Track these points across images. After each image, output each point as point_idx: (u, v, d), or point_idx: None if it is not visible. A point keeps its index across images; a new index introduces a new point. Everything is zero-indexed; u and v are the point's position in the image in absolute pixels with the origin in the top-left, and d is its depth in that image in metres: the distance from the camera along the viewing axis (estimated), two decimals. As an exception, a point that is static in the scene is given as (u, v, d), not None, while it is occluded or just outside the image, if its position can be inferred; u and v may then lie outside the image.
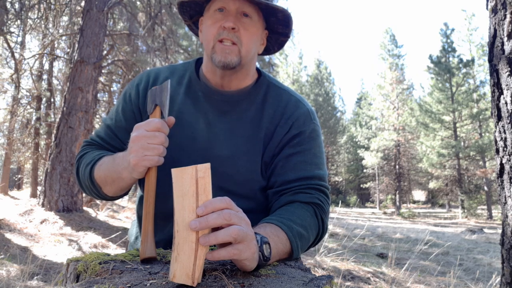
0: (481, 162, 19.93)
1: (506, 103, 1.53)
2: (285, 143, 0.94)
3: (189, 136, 0.94)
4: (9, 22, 6.66)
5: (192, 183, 0.56)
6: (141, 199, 1.00)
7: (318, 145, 0.98)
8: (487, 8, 1.70)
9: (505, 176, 1.55)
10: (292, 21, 0.95)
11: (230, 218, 0.57)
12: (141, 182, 0.98)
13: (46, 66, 11.84)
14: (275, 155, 0.95)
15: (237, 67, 0.90)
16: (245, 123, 0.95)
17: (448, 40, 21.67)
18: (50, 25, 8.33)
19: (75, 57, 6.70)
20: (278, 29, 0.99)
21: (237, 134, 0.94)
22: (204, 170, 0.57)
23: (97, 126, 13.12)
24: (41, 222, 5.52)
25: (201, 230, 0.55)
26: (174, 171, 0.58)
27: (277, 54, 29.73)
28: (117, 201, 10.56)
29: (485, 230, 11.97)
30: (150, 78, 1.01)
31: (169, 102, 0.88)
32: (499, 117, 1.58)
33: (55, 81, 12.03)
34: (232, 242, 0.58)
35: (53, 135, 6.96)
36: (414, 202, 37.80)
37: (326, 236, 7.15)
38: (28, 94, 11.07)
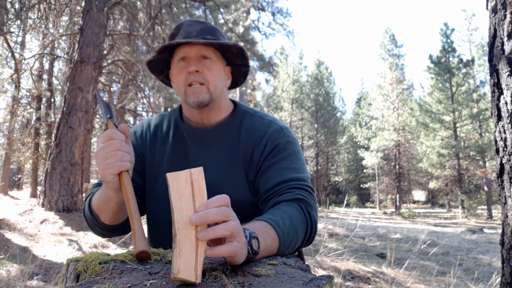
0: (481, 162, 19.93)
1: (506, 103, 1.53)
2: (263, 160, 1.03)
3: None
4: (9, 22, 6.66)
5: (187, 185, 0.60)
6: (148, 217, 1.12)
7: (294, 153, 1.05)
8: (487, 8, 1.70)
9: (505, 176, 1.55)
10: (246, 53, 1.08)
11: (227, 215, 0.61)
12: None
13: (46, 66, 11.85)
14: (257, 173, 1.04)
15: (210, 104, 1.02)
16: (224, 150, 1.06)
17: (448, 40, 21.66)
18: (50, 25, 8.33)
19: (75, 57, 6.70)
20: (237, 61, 1.11)
21: (217, 162, 1.04)
22: (197, 173, 0.61)
23: (97, 126, 13.12)
24: (41, 222, 5.52)
25: (199, 226, 0.59)
26: (169, 176, 0.60)
27: (277, 54, 29.77)
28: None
29: (485, 230, 11.97)
30: (144, 125, 1.16)
31: (161, 144, 1.09)
32: (499, 117, 1.58)
33: (55, 81, 12.04)
34: (225, 239, 0.62)
35: (53, 135, 6.96)
36: (414, 202, 37.80)
37: (326, 236, 7.15)
38: (28, 94, 11.06)
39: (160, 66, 1.11)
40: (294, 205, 0.93)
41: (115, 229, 1.00)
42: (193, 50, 1.00)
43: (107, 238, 5.04)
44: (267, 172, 1.01)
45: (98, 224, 0.97)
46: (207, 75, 1.00)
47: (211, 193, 0.95)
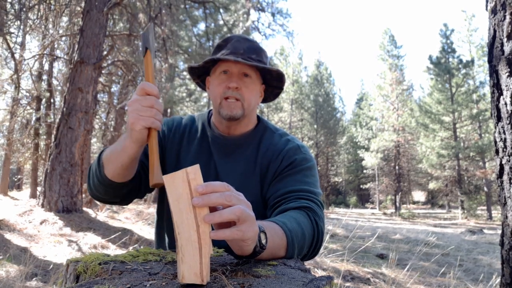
0: (481, 163, 19.94)
1: (505, 103, 1.53)
2: (278, 173, 1.06)
3: (203, 173, 1.01)
4: (9, 22, 6.66)
5: (184, 186, 0.58)
6: (158, 228, 1.18)
7: (309, 169, 1.07)
8: (486, 9, 1.70)
9: (505, 177, 1.55)
10: (285, 77, 1.14)
11: (230, 199, 0.60)
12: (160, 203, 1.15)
13: (46, 67, 11.84)
14: (269, 185, 1.07)
15: (240, 118, 1.08)
16: (242, 161, 1.11)
17: (448, 41, 21.69)
18: (50, 26, 8.34)
19: (75, 58, 6.70)
20: (273, 83, 1.17)
21: (235, 171, 1.09)
22: (194, 171, 0.59)
23: (97, 126, 13.12)
24: (41, 223, 5.51)
25: (201, 221, 0.57)
26: (166, 178, 0.59)
27: (277, 54, 29.77)
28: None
29: (485, 230, 11.97)
30: (175, 121, 1.21)
31: (187, 143, 1.14)
32: (499, 118, 1.58)
33: (55, 82, 12.02)
34: (235, 223, 0.61)
35: (52, 136, 6.96)
36: (414, 202, 37.80)
37: (327, 236, 7.14)
38: (28, 94, 11.05)
39: (200, 72, 1.18)
40: (302, 213, 0.93)
41: (113, 187, 0.97)
42: (236, 67, 1.06)
43: (106, 239, 5.03)
44: (279, 182, 1.04)
45: (99, 176, 0.96)
46: (244, 92, 1.06)
47: None
